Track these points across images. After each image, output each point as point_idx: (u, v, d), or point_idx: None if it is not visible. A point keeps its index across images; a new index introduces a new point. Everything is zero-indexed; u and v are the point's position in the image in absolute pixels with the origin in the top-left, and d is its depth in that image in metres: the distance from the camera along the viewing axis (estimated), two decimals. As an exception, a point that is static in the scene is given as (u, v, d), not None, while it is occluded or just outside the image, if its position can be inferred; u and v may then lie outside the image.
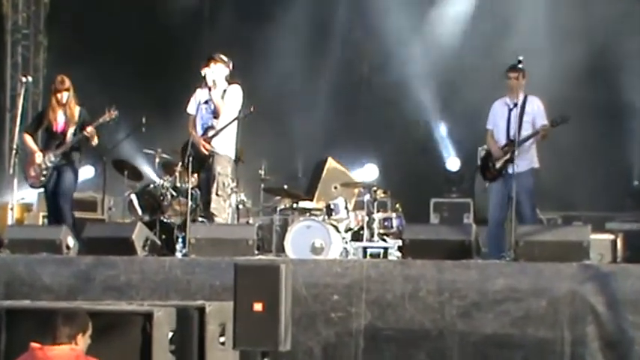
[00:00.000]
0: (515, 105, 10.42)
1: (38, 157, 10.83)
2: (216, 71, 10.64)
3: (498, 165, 10.32)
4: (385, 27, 15.28)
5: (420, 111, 15.57)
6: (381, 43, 15.57)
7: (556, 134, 10.49)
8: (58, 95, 10.85)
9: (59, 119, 10.87)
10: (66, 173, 10.82)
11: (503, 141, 10.44)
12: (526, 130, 10.32)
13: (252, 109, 10.54)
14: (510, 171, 10.04)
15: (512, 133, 10.29)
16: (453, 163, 15.78)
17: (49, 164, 10.80)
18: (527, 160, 10.34)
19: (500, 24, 14.51)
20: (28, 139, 11.05)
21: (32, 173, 10.87)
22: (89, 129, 10.68)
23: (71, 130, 10.81)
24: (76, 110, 10.86)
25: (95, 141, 10.85)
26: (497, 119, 10.54)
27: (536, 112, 10.43)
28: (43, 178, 10.83)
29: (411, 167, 15.24)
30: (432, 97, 15.54)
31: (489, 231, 10.30)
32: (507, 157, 10.18)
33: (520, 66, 10.14)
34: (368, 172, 14.97)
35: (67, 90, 10.84)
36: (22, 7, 17.42)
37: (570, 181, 13.36)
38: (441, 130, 15.83)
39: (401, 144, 15.48)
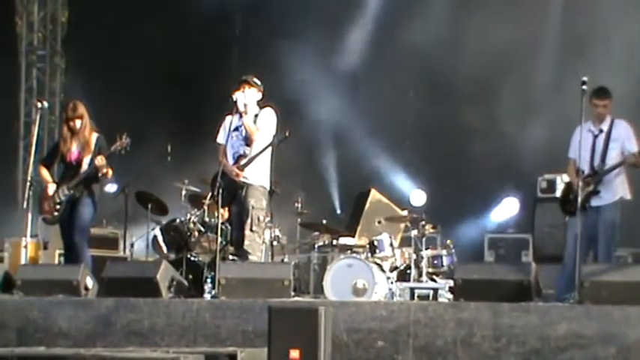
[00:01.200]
0: (601, 131, 10.46)
1: (51, 189, 10.82)
2: (249, 96, 10.63)
3: (579, 198, 10.20)
4: (434, 54, 15.26)
5: (470, 138, 15.49)
6: (426, 69, 15.54)
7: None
8: (71, 123, 10.82)
9: (73, 149, 10.84)
10: (82, 207, 10.76)
11: (587, 171, 10.43)
12: (613, 159, 10.36)
13: (287, 134, 10.52)
14: (593, 204, 10.19)
15: (596, 162, 10.35)
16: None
17: (62, 197, 10.77)
18: (611, 191, 10.36)
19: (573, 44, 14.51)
20: (44, 170, 11.05)
21: (46, 207, 10.85)
22: (98, 159, 10.60)
23: (87, 160, 10.75)
24: (93, 138, 10.82)
25: (109, 173, 10.76)
26: (581, 147, 10.35)
27: (625, 137, 10.42)
28: (56, 213, 10.80)
29: (462, 200, 15.16)
30: (484, 123, 15.47)
31: (563, 270, 10.24)
32: (590, 188, 10.23)
33: (582, 88, 9.99)
34: (415, 198, 14.86)
35: (80, 117, 10.81)
36: (37, 27, 17.46)
37: (641, 214, 13.24)
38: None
39: (451, 175, 15.39)
